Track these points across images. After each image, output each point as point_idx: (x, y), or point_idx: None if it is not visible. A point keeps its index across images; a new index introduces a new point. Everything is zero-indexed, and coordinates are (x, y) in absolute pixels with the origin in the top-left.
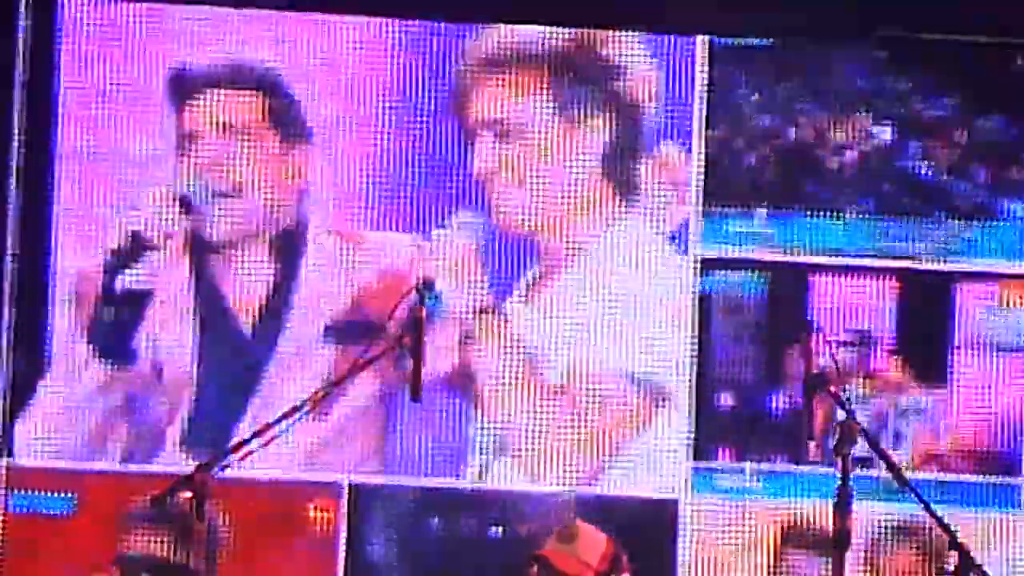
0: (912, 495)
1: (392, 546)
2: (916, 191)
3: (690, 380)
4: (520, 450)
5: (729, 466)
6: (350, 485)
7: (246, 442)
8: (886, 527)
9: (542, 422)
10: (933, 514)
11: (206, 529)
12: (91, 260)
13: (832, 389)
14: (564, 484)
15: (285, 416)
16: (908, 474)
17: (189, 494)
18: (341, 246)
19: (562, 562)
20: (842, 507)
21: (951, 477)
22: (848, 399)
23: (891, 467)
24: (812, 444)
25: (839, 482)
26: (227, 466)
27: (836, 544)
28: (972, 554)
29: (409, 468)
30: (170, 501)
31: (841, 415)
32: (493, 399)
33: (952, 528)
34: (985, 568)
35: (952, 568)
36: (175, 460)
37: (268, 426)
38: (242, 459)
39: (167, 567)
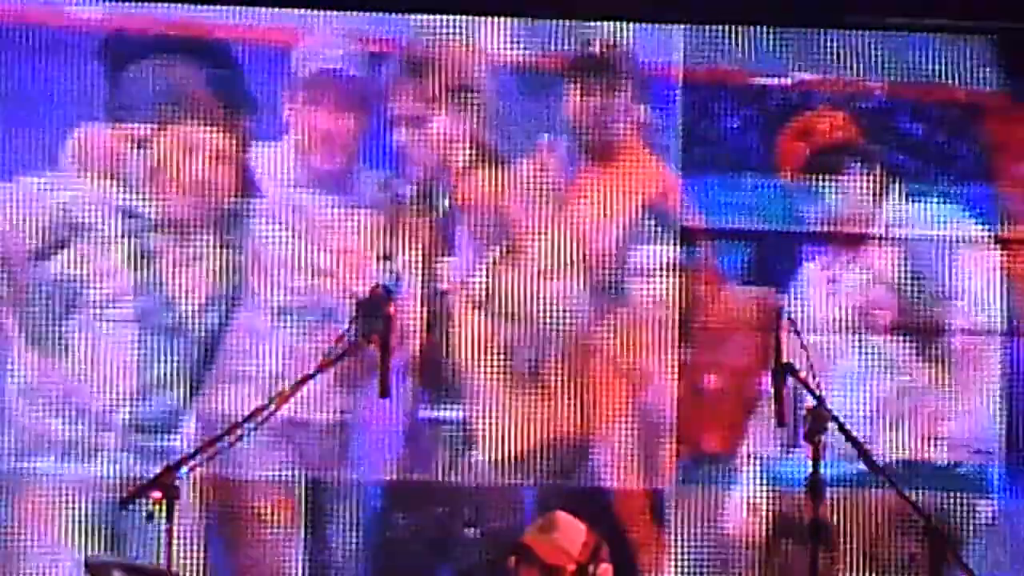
0: (886, 480)
1: (353, 542)
2: (910, 152)
3: (674, 361)
4: (492, 441)
5: (718, 454)
6: (308, 481)
7: (214, 442)
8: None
9: (514, 410)
10: (907, 499)
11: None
12: (18, 244)
13: (802, 376)
14: (540, 476)
15: (252, 416)
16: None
17: (159, 494)
18: (292, 224)
19: (543, 550)
20: (815, 495)
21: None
22: (818, 385)
23: (862, 453)
24: (783, 431)
25: (811, 469)
26: (196, 466)
27: (811, 532)
28: (947, 539)
29: (373, 462)
30: (139, 503)
31: (811, 402)
32: (460, 386)
33: (927, 513)
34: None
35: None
36: (117, 459)
37: (235, 425)
38: (210, 459)
39: (139, 570)
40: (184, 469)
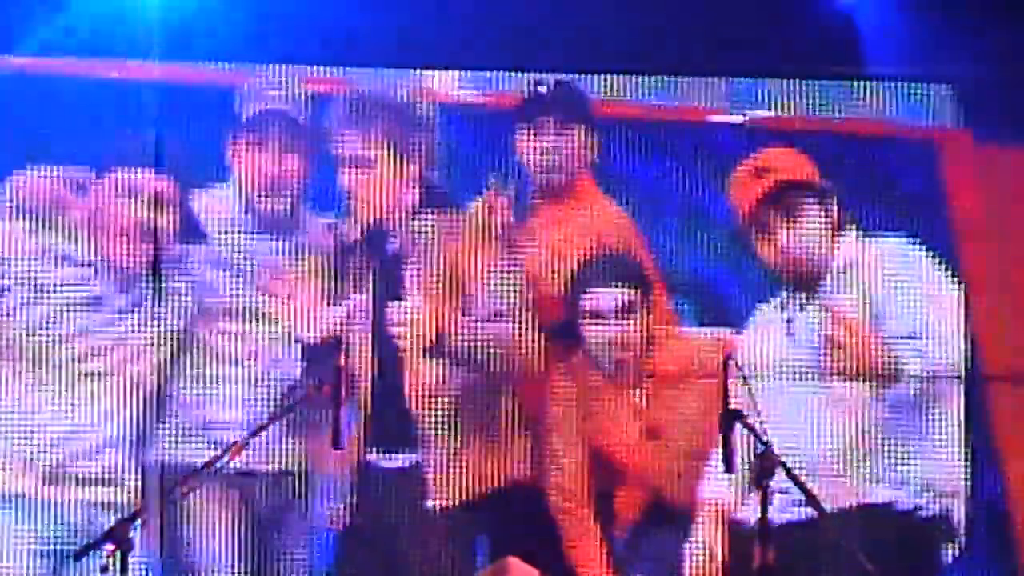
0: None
1: None
2: (867, 190)
3: (630, 405)
4: (443, 488)
5: (675, 499)
6: (257, 530)
7: (167, 494)
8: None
9: (466, 456)
10: (853, 547)
11: None
12: None
13: (749, 422)
14: (493, 523)
15: (205, 467)
16: None
17: (112, 547)
18: (236, 270)
19: None
20: (763, 540)
21: None
22: (765, 431)
23: (809, 497)
24: (731, 478)
25: (759, 515)
26: (146, 521)
27: None
28: None
29: (322, 511)
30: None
31: (759, 448)
32: (411, 433)
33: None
34: None
35: None
36: (59, 513)
37: (187, 477)
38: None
39: None
40: (138, 521)
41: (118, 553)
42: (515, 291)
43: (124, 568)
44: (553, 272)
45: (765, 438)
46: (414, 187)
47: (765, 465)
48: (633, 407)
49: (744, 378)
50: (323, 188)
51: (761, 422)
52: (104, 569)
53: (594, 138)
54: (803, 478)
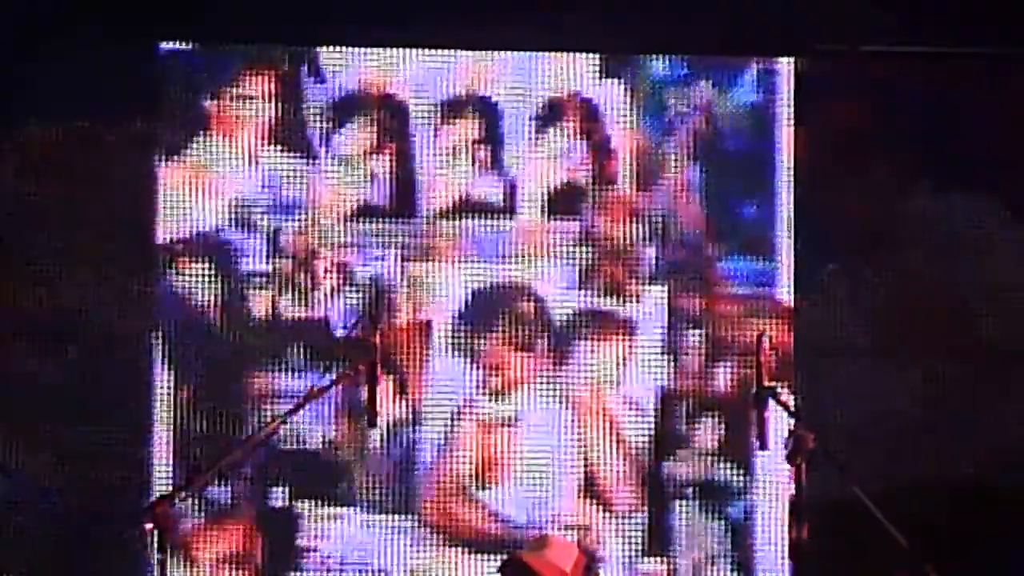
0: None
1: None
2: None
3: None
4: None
5: (729, 471)
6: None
7: (204, 473)
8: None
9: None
10: (887, 526)
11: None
12: None
13: (782, 399)
14: (536, 499)
15: (243, 445)
16: None
17: (150, 525)
18: None
19: (536, 564)
20: (797, 516)
21: None
22: (799, 409)
23: (845, 475)
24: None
25: (793, 491)
26: (187, 497)
27: (792, 554)
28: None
29: (356, 489)
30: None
31: (793, 424)
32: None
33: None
34: None
35: None
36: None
37: (224, 457)
38: (202, 489)
39: None
40: (176, 500)
41: (155, 532)
42: None
43: (163, 547)
44: None
45: (799, 414)
46: None
47: (798, 442)
48: (672, 378)
49: (777, 354)
50: None
51: (794, 398)
52: (144, 547)
53: None
54: (867, 451)
